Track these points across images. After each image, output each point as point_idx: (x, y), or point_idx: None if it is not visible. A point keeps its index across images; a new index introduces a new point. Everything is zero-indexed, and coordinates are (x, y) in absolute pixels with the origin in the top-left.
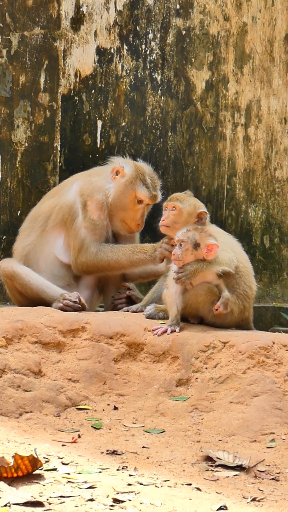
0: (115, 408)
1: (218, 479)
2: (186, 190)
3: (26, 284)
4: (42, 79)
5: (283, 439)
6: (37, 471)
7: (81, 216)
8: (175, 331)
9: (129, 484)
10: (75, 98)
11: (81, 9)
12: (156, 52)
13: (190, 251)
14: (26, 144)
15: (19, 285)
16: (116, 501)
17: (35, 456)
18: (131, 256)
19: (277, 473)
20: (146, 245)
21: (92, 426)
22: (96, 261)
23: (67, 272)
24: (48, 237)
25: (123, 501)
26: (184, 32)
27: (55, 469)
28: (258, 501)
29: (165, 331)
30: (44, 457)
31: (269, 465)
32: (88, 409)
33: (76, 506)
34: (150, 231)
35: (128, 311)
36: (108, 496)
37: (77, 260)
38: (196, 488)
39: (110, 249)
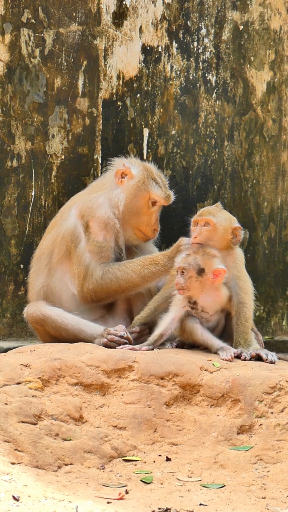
0: (168, 459)
1: None
2: (217, 203)
3: (61, 326)
4: (80, 82)
5: None
6: None
7: (84, 240)
8: (145, 351)
9: None
10: (118, 103)
11: (124, 2)
12: (209, 50)
13: (194, 278)
14: (63, 156)
15: (52, 329)
16: None
17: None
18: (141, 270)
19: None
20: (156, 255)
21: (141, 480)
22: (104, 285)
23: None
24: (56, 274)
25: None
26: (241, 27)
27: None
28: None
29: (135, 349)
30: None
31: None
32: (136, 460)
33: None
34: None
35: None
36: None
37: (83, 288)
38: None
39: (117, 268)
